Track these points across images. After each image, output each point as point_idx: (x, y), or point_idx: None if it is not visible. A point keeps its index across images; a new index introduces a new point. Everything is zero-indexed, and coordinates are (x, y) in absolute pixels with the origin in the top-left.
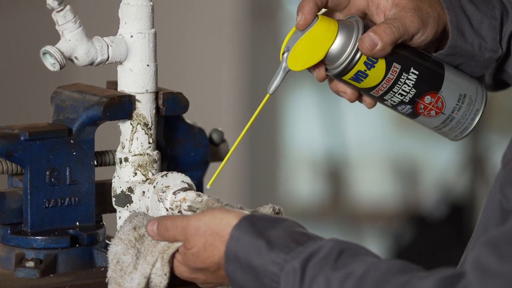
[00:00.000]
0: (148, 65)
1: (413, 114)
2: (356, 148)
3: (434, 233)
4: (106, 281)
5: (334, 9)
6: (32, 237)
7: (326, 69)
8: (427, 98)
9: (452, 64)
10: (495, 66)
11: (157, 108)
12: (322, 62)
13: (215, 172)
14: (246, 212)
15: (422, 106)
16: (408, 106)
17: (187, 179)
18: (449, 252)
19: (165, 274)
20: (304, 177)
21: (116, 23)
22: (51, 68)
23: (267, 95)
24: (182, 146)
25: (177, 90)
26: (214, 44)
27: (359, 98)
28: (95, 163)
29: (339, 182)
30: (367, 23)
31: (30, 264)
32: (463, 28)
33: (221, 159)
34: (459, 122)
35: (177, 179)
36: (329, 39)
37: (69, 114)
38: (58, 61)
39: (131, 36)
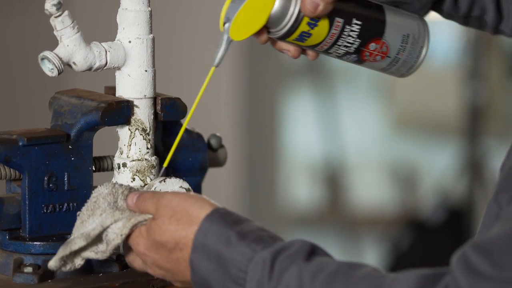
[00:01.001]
0: (146, 71)
1: (359, 61)
2: (354, 153)
3: (432, 238)
4: (77, 214)
5: None
6: (31, 243)
7: (268, 32)
8: (372, 46)
9: (392, 5)
10: (430, 6)
11: (155, 114)
12: (264, 27)
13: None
14: (220, 205)
15: (368, 54)
16: (354, 55)
17: (186, 185)
18: (447, 258)
19: (121, 235)
20: (303, 182)
21: (114, 28)
22: (49, 73)
23: (213, 68)
24: (180, 151)
25: (175, 95)
26: (212, 49)
27: (303, 52)
28: (93, 169)
29: (337, 187)
30: None
31: (28, 269)
32: None
33: (220, 165)
34: (405, 62)
35: (175, 184)
36: (269, 5)
37: (67, 120)
38: (56, 67)
39: (129, 42)
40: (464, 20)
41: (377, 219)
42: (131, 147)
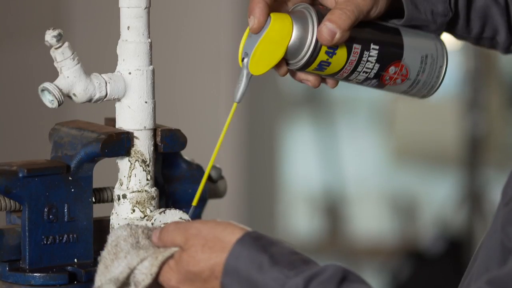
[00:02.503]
0: (146, 102)
1: (380, 86)
2: (354, 184)
3: (432, 269)
4: (98, 259)
5: (284, 2)
6: (31, 274)
7: (287, 63)
8: (391, 69)
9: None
10: (444, 28)
11: (155, 145)
12: (282, 59)
13: (210, 209)
14: (249, 229)
15: (388, 77)
16: (374, 80)
17: (185, 216)
18: None
19: (151, 274)
20: (302, 213)
21: (114, 60)
22: (49, 105)
23: (234, 104)
24: (180, 183)
25: (175, 127)
26: (212, 80)
27: (323, 81)
28: (93, 200)
29: (337, 218)
30: (318, 9)
31: None
32: (416, 0)
33: (219, 196)
34: (425, 83)
35: (175, 216)
36: (286, 37)
37: (67, 151)
38: (56, 98)
39: (129, 73)
40: (476, 40)
41: (377, 249)
42: (131, 178)
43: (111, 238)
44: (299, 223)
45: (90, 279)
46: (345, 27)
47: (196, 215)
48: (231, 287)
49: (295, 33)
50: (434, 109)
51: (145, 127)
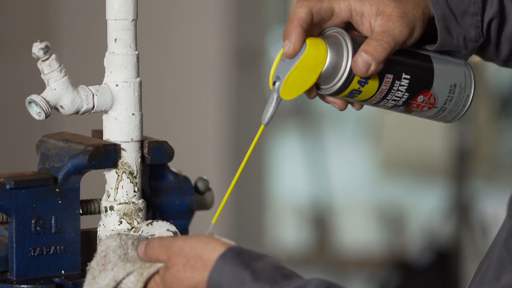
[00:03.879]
0: (133, 114)
1: (406, 112)
2: (342, 195)
3: (419, 280)
4: (87, 269)
5: (318, 24)
6: (18, 286)
7: (318, 88)
8: (420, 98)
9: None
10: (474, 53)
11: (143, 157)
12: (314, 84)
13: (198, 220)
14: (232, 243)
15: (415, 105)
16: (401, 108)
17: (173, 228)
18: None
19: None
20: (290, 224)
21: (102, 72)
22: (36, 117)
23: (262, 126)
24: (167, 194)
25: (162, 138)
26: (199, 92)
27: (349, 103)
28: (81, 212)
29: (325, 229)
30: (353, 36)
31: None
32: (449, 25)
33: (207, 208)
34: (451, 110)
35: (162, 227)
36: (320, 64)
37: (54, 163)
38: (43, 110)
39: (117, 85)
40: (504, 62)
41: (365, 260)
42: (118, 190)
43: (100, 248)
44: (287, 234)
45: None
46: (380, 59)
47: (184, 226)
48: None
49: (329, 61)
50: (421, 120)
51: (132, 139)
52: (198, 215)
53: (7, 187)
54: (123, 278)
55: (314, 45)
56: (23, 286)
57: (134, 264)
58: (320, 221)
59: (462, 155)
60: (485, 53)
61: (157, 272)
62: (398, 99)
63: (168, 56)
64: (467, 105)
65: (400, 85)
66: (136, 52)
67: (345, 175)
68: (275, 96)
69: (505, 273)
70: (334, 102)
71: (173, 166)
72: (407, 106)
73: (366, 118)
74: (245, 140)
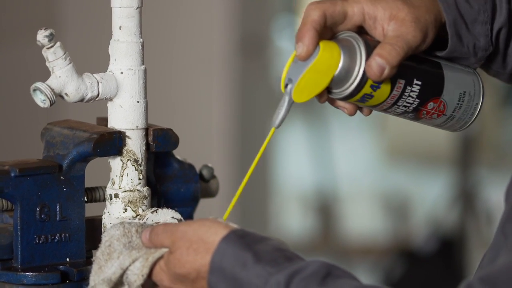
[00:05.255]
0: (138, 102)
1: (415, 119)
2: (346, 183)
3: (424, 268)
4: (92, 259)
5: (331, 27)
6: (23, 273)
7: (330, 91)
8: (430, 105)
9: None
10: (483, 62)
11: (147, 145)
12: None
13: (203, 208)
14: (235, 226)
15: (425, 112)
16: (411, 114)
17: (177, 215)
18: (439, 287)
19: (142, 275)
20: (295, 212)
21: (106, 59)
22: (41, 104)
23: (273, 129)
24: (172, 182)
25: (167, 126)
26: (204, 80)
27: (358, 109)
28: (86, 199)
29: (329, 217)
30: (366, 40)
31: None
32: (460, 31)
33: (211, 195)
34: (459, 119)
35: (167, 215)
36: (333, 68)
37: (59, 151)
38: (48, 98)
39: (121, 73)
40: (510, 77)
41: (369, 248)
42: (123, 178)
43: (104, 238)
44: (292, 222)
45: (83, 278)
46: (394, 63)
47: (188, 214)
48: (217, 285)
49: (342, 64)
50: None
51: (137, 126)
52: (203, 203)
53: (12, 174)
54: (129, 265)
55: (328, 48)
56: (28, 273)
57: (139, 251)
58: (325, 209)
59: (467, 143)
60: (492, 64)
61: (162, 257)
62: (409, 105)
63: (173, 43)
64: (475, 114)
65: (412, 91)
66: (141, 40)
67: (350, 163)
68: (287, 98)
69: (500, 255)
70: (344, 107)
71: (178, 153)
72: (416, 113)
73: None
74: (249, 127)
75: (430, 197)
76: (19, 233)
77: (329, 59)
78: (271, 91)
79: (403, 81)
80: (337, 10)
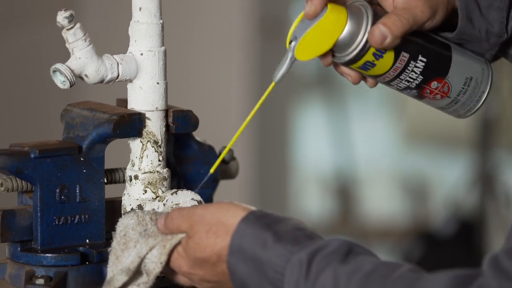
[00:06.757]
0: (158, 83)
1: (418, 97)
2: (365, 165)
3: (443, 250)
4: (108, 250)
5: None
6: (42, 255)
7: (333, 55)
8: (433, 84)
9: (457, 43)
10: (497, 49)
11: (167, 126)
12: (329, 50)
13: (222, 190)
14: (253, 208)
15: (428, 91)
16: (414, 91)
17: (197, 197)
18: None
19: (161, 263)
20: (314, 194)
21: (126, 41)
22: (61, 86)
23: (273, 83)
24: (192, 164)
25: (187, 108)
26: (223, 61)
27: (363, 79)
28: (105, 181)
29: (348, 199)
30: (376, 10)
31: (40, 281)
32: (472, 14)
33: (231, 177)
34: (464, 104)
35: (187, 196)
36: (338, 30)
37: (79, 132)
38: (68, 79)
39: (141, 54)
40: None
41: (388, 231)
42: (142, 159)
43: (119, 228)
44: (311, 204)
45: (102, 259)
46: (397, 34)
47: (208, 196)
48: (237, 266)
49: (347, 28)
50: None
51: (157, 108)
52: (223, 184)
53: (32, 156)
54: (147, 253)
55: (335, 10)
56: (47, 255)
57: (156, 238)
58: (344, 192)
59: (486, 126)
60: (509, 49)
61: (179, 243)
62: (412, 80)
63: (193, 25)
64: (481, 101)
65: (415, 66)
66: (161, 21)
67: (369, 145)
68: (289, 55)
69: None
70: (348, 74)
71: (198, 135)
72: (420, 90)
73: (389, 90)
74: (269, 109)
75: (449, 179)
76: (38, 214)
77: (336, 20)
78: (289, 73)
79: (407, 55)
80: None
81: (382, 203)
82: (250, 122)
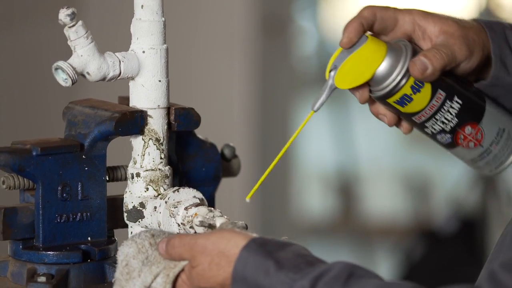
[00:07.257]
0: (160, 81)
1: (452, 144)
2: (367, 163)
3: (445, 248)
4: (113, 281)
5: (381, 33)
6: (44, 252)
7: (370, 91)
8: (468, 129)
9: (492, 95)
10: None
11: (169, 124)
12: (366, 84)
13: (224, 187)
14: (254, 234)
15: (462, 137)
16: (448, 135)
17: (199, 195)
18: (460, 268)
19: None
20: (315, 192)
21: (128, 38)
22: (63, 83)
23: (312, 112)
24: (193, 161)
25: (188, 105)
26: (225, 59)
27: (398, 123)
28: (107, 178)
29: (350, 197)
30: (414, 47)
31: (42, 279)
32: (505, 60)
33: (233, 175)
34: (495, 157)
35: (188, 194)
36: (377, 60)
37: (81, 129)
38: (70, 77)
39: (143, 52)
40: None
41: (390, 229)
42: (144, 157)
43: (120, 258)
44: (313, 202)
45: (104, 257)
46: (437, 66)
47: (210, 193)
48: None
49: (387, 59)
50: None
51: (159, 105)
52: (224, 182)
53: (34, 153)
54: (152, 282)
55: (375, 41)
56: (49, 252)
57: (159, 265)
58: (346, 190)
59: None
60: None
61: (182, 270)
62: (447, 122)
63: (195, 22)
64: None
65: (451, 107)
66: (163, 19)
67: (370, 143)
68: (329, 83)
69: None
70: (383, 115)
71: (200, 133)
72: (454, 135)
73: None
74: (271, 107)
75: (451, 177)
76: (40, 212)
77: (374, 51)
78: (292, 70)
79: (444, 94)
80: (388, 14)
81: (384, 201)
82: (252, 119)
